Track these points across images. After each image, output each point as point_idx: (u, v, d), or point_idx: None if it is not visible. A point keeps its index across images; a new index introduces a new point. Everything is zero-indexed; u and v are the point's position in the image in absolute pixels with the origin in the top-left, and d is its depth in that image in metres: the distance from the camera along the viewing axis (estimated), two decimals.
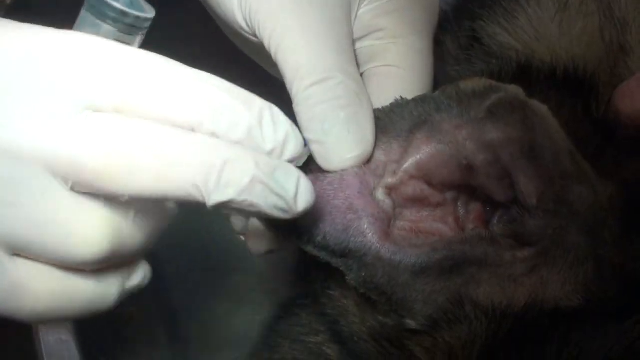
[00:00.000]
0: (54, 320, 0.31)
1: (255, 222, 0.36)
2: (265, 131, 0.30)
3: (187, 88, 0.29)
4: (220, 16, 0.39)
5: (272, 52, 0.35)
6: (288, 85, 0.35)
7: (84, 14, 0.34)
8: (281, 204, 0.29)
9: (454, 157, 0.32)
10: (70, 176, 0.28)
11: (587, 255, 0.31)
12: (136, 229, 0.31)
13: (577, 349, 0.31)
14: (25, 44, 0.29)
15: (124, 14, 0.34)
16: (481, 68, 0.39)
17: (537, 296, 0.31)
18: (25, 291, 0.29)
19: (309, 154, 0.34)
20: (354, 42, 0.38)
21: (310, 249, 0.33)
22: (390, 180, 0.33)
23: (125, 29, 0.33)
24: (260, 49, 0.37)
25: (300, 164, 0.33)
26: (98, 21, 0.33)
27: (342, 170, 0.33)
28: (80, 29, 0.33)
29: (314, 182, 0.32)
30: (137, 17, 0.35)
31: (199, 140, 0.29)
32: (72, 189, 0.29)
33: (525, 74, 0.37)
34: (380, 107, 0.35)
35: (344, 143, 0.33)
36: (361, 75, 0.37)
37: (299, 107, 0.34)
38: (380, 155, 0.34)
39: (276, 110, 0.31)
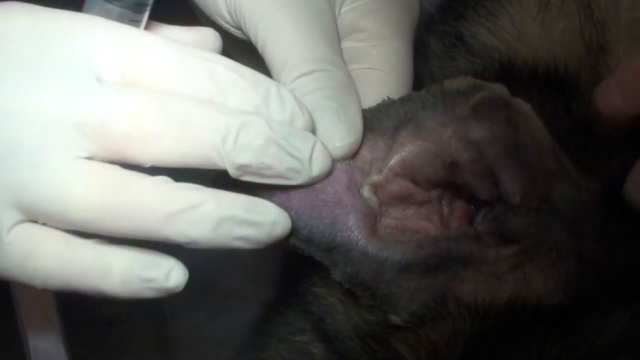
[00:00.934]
0: (66, 290, 0.31)
1: None
2: (272, 108, 0.31)
3: (197, 66, 0.31)
4: (205, 12, 0.39)
5: (259, 45, 0.35)
6: (275, 78, 0.34)
7: None
8: (296, 164, 0.30)
9: (439, 155, 0.33)
10: (98, 141, 0.30)
11: (569, 252, 0.32)
12: None
13: (559, 344, 0.31)
14: (50, 24, 0.31)
15: None
16: (465, 67, 0.39)
17: (519, 293, 0.32)
18: (38, 254, 0.30)
19: None
20: None
21: (295, 241, 0.33)
22: (376, 177, 0.34)
23: (132, 6, 0.34)
24: (247, 45, 0.37)
25: None
26: (105, 2, 0.34)
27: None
28: (89, 11, 0.33)
29: None
30: None
31: (216, 108, 0.30)
32: (95, 157, 0.30)
33: (508, 73, 0.37)
34: (367, 107, 0.35)
35: (335, 131, 0.33)
36: None
37: None
38: (366, 152, 0.34)
39: (283, 88, 0.32)
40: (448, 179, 0.34)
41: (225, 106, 0.31)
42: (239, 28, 0.37)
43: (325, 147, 0.31)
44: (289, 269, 0.41)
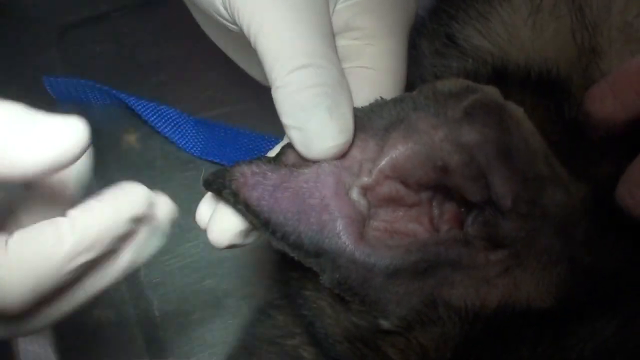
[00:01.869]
0: None
1: (219, 214, 0.35)
2: None
3: None
4: (200, 7, 0.39)
5: (252, 38, 0.35)
6: (267, 71, 0.34)
7: None
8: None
9: (430, 157, 0.32)
10: None
11: (560, 256, 0.31)
12: None
13: (550, 348, 0.31)
14: None
15: None
16: (457, 68, 0.39)
17: (510, 297, 0.32)
18: None
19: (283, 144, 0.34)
20: None
21: (283, 246, 0.33)
22: (365, 179, 0.33)
23: None
24: (240, 39, 0.36)
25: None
26: None
27: (318, 167, 0.33)
28: None
29: (288, 178, 0.32)
30: None
31: None
32: None
33: (500, 76, 0.37)
34: (360, 107, 0.35)
35: (326, 130, 0.32)
36: None
37: (279, 92, 0.33)
38: (356, 153, 0.33)
39: None
40: (438, 181, 0.33)
41: None
42: (234, 22, 0.36)
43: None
44: (280, 272, 0.41)
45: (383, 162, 0.33)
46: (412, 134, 0.33)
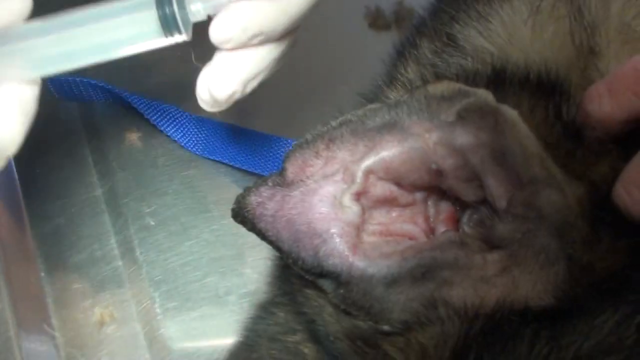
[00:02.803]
0: None
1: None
2: None
3: None
4: None
5: None
6: None
7: None
8: None
9: (424, 161, 0.33)
10: None
11: (557, 256, 0.32)
12: None
13: (548, 346, 0.31)
14: None
15: None
16: (457, 68, 0.39)
17: (508, 296, 0.32)
18: None
19: None
20: None
21: (297, 271, 0.34)
22: (357, 186, 0.34)
23: None
24: None
25: None
26: None
27: (304, 187, 0.33)
28: None
29: (281, 205, 0.33)
30: None
31: None
32: None
33: (500, 77, 0.37)
34: (354, 111, 0.35)
35: None
36: None
37: None
38: (345, 155, 0.34)
39: None
40: (433, 183, 0.34)
41: None
42: None
43: None
44: (281, 269, 0.41)
45: (376, 166, 0.33)
46: (406, 137, 0.33)
